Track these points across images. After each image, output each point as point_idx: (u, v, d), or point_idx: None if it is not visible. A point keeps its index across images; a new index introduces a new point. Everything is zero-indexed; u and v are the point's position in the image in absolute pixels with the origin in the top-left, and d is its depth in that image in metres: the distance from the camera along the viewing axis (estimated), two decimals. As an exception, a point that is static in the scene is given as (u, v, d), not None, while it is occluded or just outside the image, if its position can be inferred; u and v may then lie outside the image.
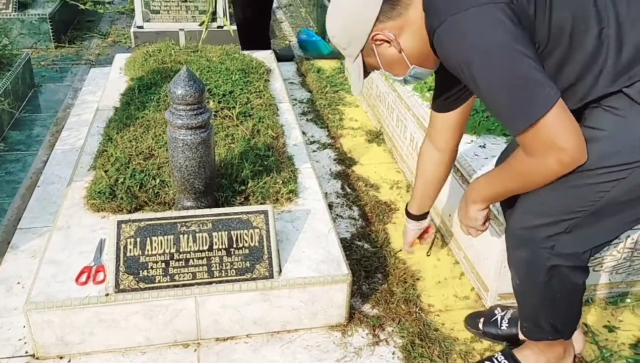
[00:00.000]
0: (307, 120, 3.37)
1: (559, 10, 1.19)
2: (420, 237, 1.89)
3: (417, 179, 1.78)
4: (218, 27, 3.86)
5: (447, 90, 1.52)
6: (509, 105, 1.21)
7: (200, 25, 3.43)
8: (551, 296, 1.45)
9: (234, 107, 2.68)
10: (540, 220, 1.35)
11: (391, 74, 1.43)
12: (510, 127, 1.25)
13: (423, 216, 1.83)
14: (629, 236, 1.87)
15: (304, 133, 3.03)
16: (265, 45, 3.95)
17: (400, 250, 2.22)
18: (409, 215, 1.84)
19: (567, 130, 1.17)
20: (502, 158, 1.67)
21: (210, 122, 1.84)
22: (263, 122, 2.61)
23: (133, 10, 4.48)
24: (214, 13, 3.49)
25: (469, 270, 2.10)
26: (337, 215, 2.46)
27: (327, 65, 4.21)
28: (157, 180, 2.10)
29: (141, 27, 3.63)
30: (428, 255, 2.01)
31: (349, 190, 2.66)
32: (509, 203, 1.51)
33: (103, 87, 3.18)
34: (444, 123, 1.61)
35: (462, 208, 1.55)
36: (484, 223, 1.56)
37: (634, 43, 1.18)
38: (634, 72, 1.18)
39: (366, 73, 1.43)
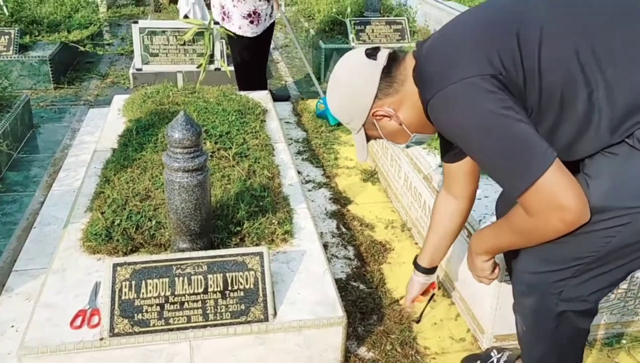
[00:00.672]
0: (302, 159, 3.40)
1: (548, 77, 1.21)
2: (424, 292, 1.86)
3: (432, 231, 1.75)
4: (215, 69, 3.93)
5: (452, 146, 1.55)
6: (505, 169, 1.23)
7: (198, 67, 3.50)
8: (559, 342, 1.45)
9: (230, 148, 2.71)
10: (547, 267, 1.35)
11: (393, 143, 1.48)
12: (509, 190, 1.27)
13: (433, 269, 1.80)
14: (622, 276, 1.87)
15: (299, 172, 3.07)
16: (262, 86, 4.02)
17: (400, 299, 2.21)
18: (418, 268, 1.79)
19: (567, 188, 1.18)
20: (502, 201, 1.69)
21: (206, 165, 1.87)
22: (259, 162, 2.64)
23: (132, 51, 4.57)
24: (212, 56, 3.56)
25: (465, 312, 2.10)
26: (332, 255, 2.46)
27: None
28: (153, 222, 2.11)
29: (140, 70, 3.70)
30: (417, 322, 2.00)
31: (344, 229, 2.67)
32: (514, 252, 1.52)
33: (101, 128, 3.22)
34: (457, 171, 1.62)
35: (469, 258, 1.57)
36: (493, 271, 1.57)
37: (624, 102, 1.19)
38: (627, 125, 1.19)
39: (369, 139, 1.49)
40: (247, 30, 3.87)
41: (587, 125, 1.22)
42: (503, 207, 1.60)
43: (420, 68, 1.33)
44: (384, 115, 1.40)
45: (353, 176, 3.22)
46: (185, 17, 4.63)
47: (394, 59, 1.38)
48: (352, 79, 1.40)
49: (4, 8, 4.89)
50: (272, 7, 3.94)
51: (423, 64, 1.32)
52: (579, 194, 1.19)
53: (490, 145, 1.22)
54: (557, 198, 1.18)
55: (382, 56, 1.38)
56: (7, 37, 4.45)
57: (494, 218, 1.96)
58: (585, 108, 1.21)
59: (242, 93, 3.56)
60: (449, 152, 1.58)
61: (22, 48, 4.54)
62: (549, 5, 1.26)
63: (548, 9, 1.25)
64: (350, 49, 4.80)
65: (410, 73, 1.35)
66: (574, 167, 1.29)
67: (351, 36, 4.93)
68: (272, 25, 4.11)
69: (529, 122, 1.21)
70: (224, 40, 4.36)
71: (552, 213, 1.20)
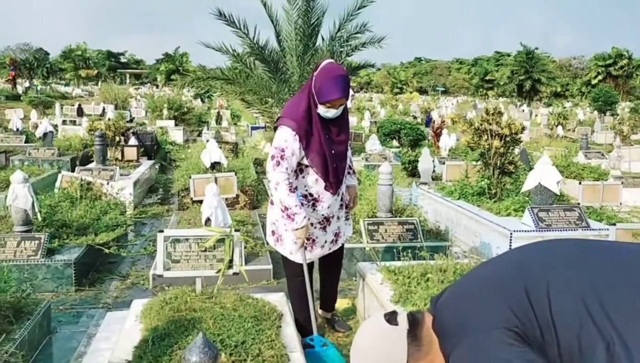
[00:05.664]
0: (318, 367, 3.31)
1: (563, 331, 1.23)
2: None
3: None
4: (234, 273, 4.03)
5: None
6: None
7: (217, 272, 3.60)
8: None
9: (245, 360, 2.67)
10: None
11: None
12: None
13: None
14: None
15: (315, 384, 2.96)
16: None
17: None
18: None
19: None
20: None
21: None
22: (274, 376, 2.58)
23: (155, 251, 4.73)
24: (231, 261, 3.68)
25: None
26: None
27: (340, 304, 4.26)
28: None
29: (161, 276, 3.81)
30: None
31: None
32: None
33: (118, 333, 3.22)
34: None
35: None
36: None
37: None
38: None
39: None
40: (299, 257, 3.59)
41: None
42: None
43: (438, 322, 1.38)
44: None
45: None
46: (208, 219, 4.88)
47: (415, 320, 1.43)
48: (379, 348, 1.41)
49: (38, 214, 5.20)
50: (336, 233, 3.75)
51: (440, 318, 1.38)
52: None
53: None
54: None
55: (403, 320, 1.43)
56: (37, 242, 4.65)
57: None
58: (606, 360, 1.19)
59: (258, 296, 3.59)
60: None
61: (49, 251, 4.71)
62: (554, 260, 1.32)
63: (553, 263, 1.31)
64: (364, 249, 4.95)
65: (433, 332, 1.40)
66: None
67: (365, 237, 5.09)
68: (341, 250, 3.87)
69: None
70: (242, 243, 4.53)
71: None
